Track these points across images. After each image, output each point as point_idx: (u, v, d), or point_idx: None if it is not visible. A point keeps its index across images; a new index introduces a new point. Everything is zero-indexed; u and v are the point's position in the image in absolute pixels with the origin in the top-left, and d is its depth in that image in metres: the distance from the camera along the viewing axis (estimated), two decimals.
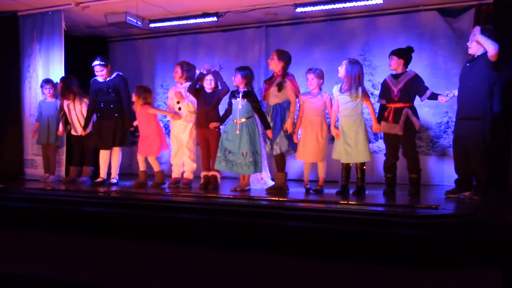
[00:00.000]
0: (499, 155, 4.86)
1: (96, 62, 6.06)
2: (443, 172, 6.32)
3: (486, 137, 4.69)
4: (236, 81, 5.41)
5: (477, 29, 4.73)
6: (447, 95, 4.96)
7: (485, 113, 4.69)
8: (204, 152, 5.70)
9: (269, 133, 5.28)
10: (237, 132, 5.29)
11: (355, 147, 5.09)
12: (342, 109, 5.16)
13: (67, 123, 6.51)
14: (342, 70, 5.12)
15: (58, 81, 6.58)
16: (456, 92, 4.91)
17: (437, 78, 6.18)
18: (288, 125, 5.21)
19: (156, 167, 6.05)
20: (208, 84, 5.62)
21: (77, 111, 6.42)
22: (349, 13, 6.76)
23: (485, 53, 4.67)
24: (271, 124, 5.30)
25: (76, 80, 6.48)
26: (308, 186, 5.34)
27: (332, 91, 5.29)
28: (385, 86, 5.19)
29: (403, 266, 3.11)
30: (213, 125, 5.49)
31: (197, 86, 5.69)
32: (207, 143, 5.66)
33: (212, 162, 5.62)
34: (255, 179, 5.79)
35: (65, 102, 6.44)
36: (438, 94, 5.00)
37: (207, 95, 5.64)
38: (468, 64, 4.87)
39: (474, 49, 4.81)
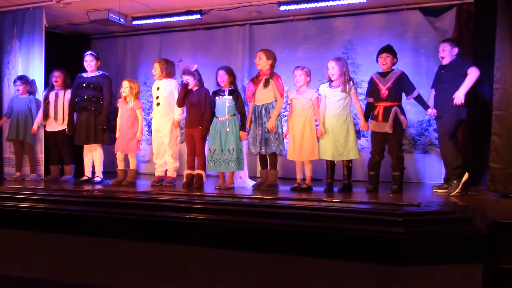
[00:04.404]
0: (477, 153, 4.95)
1: (88, 52, 6.28)
2: (425, 169, 6.40)
3: (456, 130, 4.97)
4: (223, 79, 5.40)
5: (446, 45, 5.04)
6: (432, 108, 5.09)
7: (460, 110, 4.90)
8: (190, 150, 5.65)
9: (242, 134, 5.36)
10: (228, 129, 5.32)
11: (346, 144, 5.11)
12: (331, 107, 5.15)
13: (47, 117, 6.38)
14: (335, 71, 5.12)
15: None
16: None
17: (418, 76, 6.24)
18: (270, 124, 5.20)
19: (133, 165, 6.01)
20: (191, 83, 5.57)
21: (65, 99, 6.35)
22: (332, 11, 6.78)
23: (455, 59, 4.95)
24: (259, 123, 5.31)
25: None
26: (301, 184, 5.32)
27: (319, 90, 5.30)
28: (372, 84, 5.22)
29: (386, 263, 3.14)
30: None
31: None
32: (193, 141, 5.61)
33: (198, 161, 5.60)
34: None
35: (54, 91, 6.40)
36: (428, 106, 5.11)
37: (190, 95, 5.59)
38: (442, 71, 5.07)
39: (447, 59, 5.04)
